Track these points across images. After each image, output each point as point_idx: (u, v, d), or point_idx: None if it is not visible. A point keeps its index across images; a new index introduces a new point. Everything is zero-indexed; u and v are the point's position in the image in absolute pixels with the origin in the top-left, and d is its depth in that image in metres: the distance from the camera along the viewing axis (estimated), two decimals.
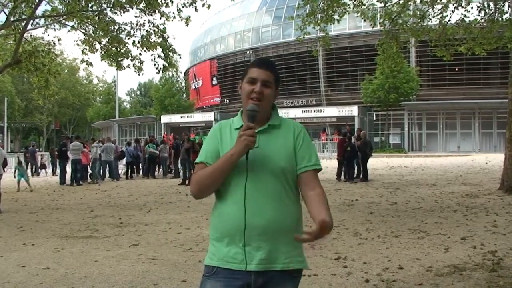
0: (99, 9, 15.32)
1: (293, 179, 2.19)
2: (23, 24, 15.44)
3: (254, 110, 2.14)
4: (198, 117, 49.05)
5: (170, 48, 15.96)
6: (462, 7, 13.97)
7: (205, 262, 2.19)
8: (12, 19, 14.90)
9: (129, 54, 16.32)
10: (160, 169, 22.24)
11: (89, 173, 20.38)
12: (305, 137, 2.24)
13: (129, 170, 21.42)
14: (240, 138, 2.06)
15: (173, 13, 15.23)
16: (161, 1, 14.63)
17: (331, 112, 40.53)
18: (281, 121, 2.25)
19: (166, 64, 16.10)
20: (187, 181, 17.16)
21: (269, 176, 2.12)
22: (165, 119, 48.65)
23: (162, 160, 21.31)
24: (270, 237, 2.08)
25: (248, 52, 48.51)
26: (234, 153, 2.07)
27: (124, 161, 21.87)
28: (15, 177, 17.31)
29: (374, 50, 17.81)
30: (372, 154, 18.66)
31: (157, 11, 15.13)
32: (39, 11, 16.69)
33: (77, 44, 16.69)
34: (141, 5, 15.03)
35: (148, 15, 15.48)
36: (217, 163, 2.11)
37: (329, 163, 22.65)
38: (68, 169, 19.23)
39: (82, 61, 17.12)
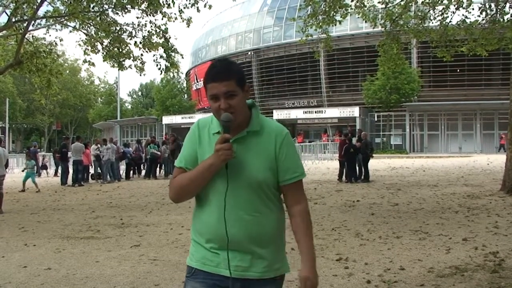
0: (101, 9, 15.34)
1: (274, 189, 2.14)
2: (24, 24, 15.47)
3: (228, 120, 2.02)
4: (199, 118, 48.86)
5: (172, 49, 15.98)
6: (463, 8, 13.96)
7: (186, 261, 2.20)
8: (13, 19, 14.91)
9: (131, 55, 16.34)
10: (162, 170, 22.26)
11: (90, 174, 20.41)
12: (289, 145, 2.14)
13: (129, 171, 21.52)
14: (218, 152, 1.99)
15: (175, 14, 15.19)
16: (162, 2, 14.64)
17: (333, 113, 40.52)
18: (262, 125, 2.13)
19: (168, 65, 16.10)
20: None
21: (246, 187, 2.06)
22: (167, 120, 48.69)
23: (164, 161, 21.33)
24: (246, 247, 2.07)
25: (249, 53, 48.54)
26: (212, 165, 2.02)
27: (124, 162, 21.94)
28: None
29: (376, 51, 17.77)
30: (373, 155, 18.69)
31: (158, 11, 15.14)
32: (40, 12, 16.75)
33: (79, 45, 16.73)
34: (143, 6, 15.05)
35: (150, 15, 15.51)
36: (196, 171, 2.06)
37: (330, 164, 22.65)
38: (70, 169, 19.25)
39: (84, 61, 17.15)
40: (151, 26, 15.80)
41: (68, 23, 16.59)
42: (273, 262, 2.12)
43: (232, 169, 2.06)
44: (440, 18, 14.35)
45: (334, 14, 13.90)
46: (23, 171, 18.33)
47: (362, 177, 16.76)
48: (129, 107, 78.06)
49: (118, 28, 16.06)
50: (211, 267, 2.09)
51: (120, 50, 16.23)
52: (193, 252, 2.16)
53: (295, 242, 2.14)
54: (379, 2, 14.49)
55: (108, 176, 20.05)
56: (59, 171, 21.43)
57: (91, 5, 14.88)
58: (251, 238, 2.07)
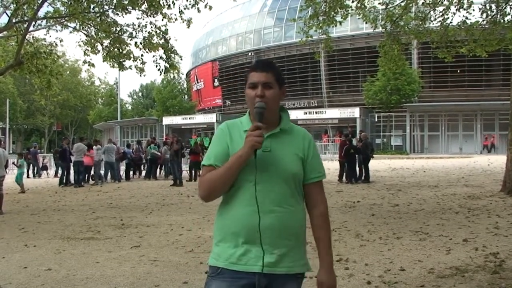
0: (101, 10, 15.33)
1: (300, 185, 2.22)
2: (25, 25, 15.46)
3: (262, 107, 2.13)
4: (200, 118, 49.00)
5: (172, 50, 15.97)
6: (464, 9, 13.95)
7: (210, 262, 2.19)
8: (14, 20, 14.91)
9: (131, 55, 16.33)
10: (162, 171, 22.26)
11: (91, 175, 20.41)
12: (315, 147, 2.29)
13: (128, 172, 21.56)
14: (247, 138, 2.06)
15: (175, 14, 15.18)
16: (163, 3, 14.64)
17: (333, 113, 40.48)
18: (291, 126, 2.26)
19: (168, 66, 16.10)
20: (177, 181, 17.69)
21: (279, 180, 2.13)
22: (167, 120, 48.66)
23: (164, 162, 21.31)
24: (276, 241, 2.10)
25: (250, 53, 48.52)
26: (242, 155, 2.07)
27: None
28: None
29: (376, 51, 17.80)
30: (374, 155, 18.68)
31: (159, 12, 15.13)
32: (41, 13, 16.76)
33: (79, 45, 16.72)
34: (143, 7, 15.04)
35: (150, 16, 15.49)
36: (226, 165, 2.10)
37: (331, 165, 22.63)
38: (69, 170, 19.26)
39: (84, 62, 17.16)
40: (152, 27, 15.80)
41: (69, 24, 16.57)
42: (298, 258, 2.18)
43: (266, 163, 2.13)
44: (440, 19, 14.34)
45: (335, 15, 13.90)
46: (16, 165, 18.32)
47: (363, 177, 16.77)
48: (130, 108, 78.05)
49: (118, 28, 16.05)
50: (240, 266, 2.10)
51: (120, 50, 16.22)
52: (219, 253, 2.16)
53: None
54: (379, 3, 14.49)
55: (109, 177, 20.08)
56: (60, 171, 21.46)
57: (92, 6, 14.88)
58: (282, 232, 2.11)
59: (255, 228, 2.08)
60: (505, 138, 20.08)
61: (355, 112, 38.63)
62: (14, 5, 14.49)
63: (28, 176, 25.20)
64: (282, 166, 2.14)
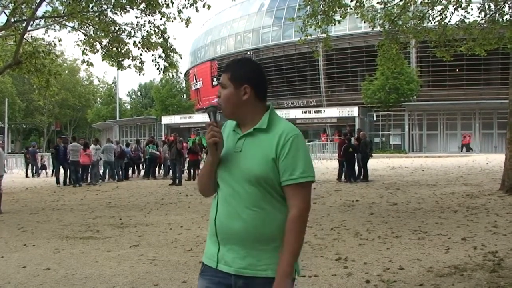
0: (100, 9, 15.34)
1: (279, 187, 2.08)
2: (23, 25, 15.47)
3: (211, 106, 2.25)
4: (198, 118, 48.94)
5: (171, 49, 15.99)
6: (462, 8, 13.97)
7: (203, 257, 2.25)
8: (12, 20, 14.92)
9: (130, 55, 16.33)
10: (161, 170, 22.25)
11: (89, 174, 20.40)
12: (293, 146, 2.04)
13: (127, 171, 21.55)
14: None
15: (174, 14, 15.22)
16: (161, 2, 14.65)
17: (332, 113, 40.49)
18: (270, 124, 2.11)
19: (167, 65, 16.11)
20: (177, 181, 17.69)
21: (244, 182, 2.06)
22: (166, 120, 48.64)
23: (165, 161, 21.28)
24: (245, 242, 2.05)
25: (248, 53, 48.46)
26: (209, 155, 2.17)
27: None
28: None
29: (375, 51, 17.80)
30: (373, 154, 18.69)
31: (157, 11, 15.15)
32: (39, 12, 16.73)
33: (78, 45, 16.73)
34: (142, 6, 15.05)
35: (149, 15, 15.52)
36: (204, 164, 2.22)
37: (330, 164, 22.67)
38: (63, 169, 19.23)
39: (83, 61, 17.15)
40: (150, 26, 15.82)
41: (67, 23, 16.61)
42: (276, 261, 2.04)
43: (233, 163, 2.12)
44: (439, 18, 14.35)
45: (333, 14, 13.91)
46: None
47: (361, 176, 16.78)
48: (128, 107, 77.99)
49: (117, 28, 16.06)
50: (214, 263, 2.12)
51: (119, 49, 16.23)
52: (206, 249, 2.21)
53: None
54: (378, 3, 14.50)
55: (107, 176, 20.07)
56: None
57: (90, 5, 14.88)
58: (253, 234, 2.05)
59: (223, 230, 2.09)
60: (504, 137, 20.10)
61: (354, 111, 38.66)
62: (13, 4, 14.49)
63: (27, 176, 25.21)
64: (245, 167, 2.07)
